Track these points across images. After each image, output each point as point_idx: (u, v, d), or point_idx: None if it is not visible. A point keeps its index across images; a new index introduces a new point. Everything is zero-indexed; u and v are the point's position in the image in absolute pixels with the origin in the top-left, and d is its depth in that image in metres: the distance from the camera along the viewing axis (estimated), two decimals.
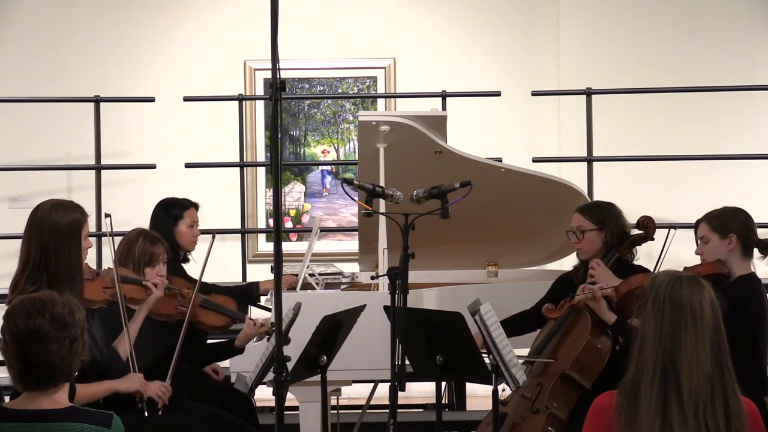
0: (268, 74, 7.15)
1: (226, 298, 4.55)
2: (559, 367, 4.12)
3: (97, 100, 6.90)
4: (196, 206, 5.13)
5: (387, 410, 3.72)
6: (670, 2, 7.47)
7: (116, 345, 3.93)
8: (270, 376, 3.35)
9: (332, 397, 4.72)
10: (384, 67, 7.60)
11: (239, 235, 6.99)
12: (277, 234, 3.20)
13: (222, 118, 7.48)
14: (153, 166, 6.99)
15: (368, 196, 3.96)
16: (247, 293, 5.37)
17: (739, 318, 3.33)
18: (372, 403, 5.18)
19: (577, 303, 4.21)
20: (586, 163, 6.79)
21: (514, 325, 4.50)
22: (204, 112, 7.53)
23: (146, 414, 3.87)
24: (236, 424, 4.33)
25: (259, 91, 7.54)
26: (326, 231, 7.44)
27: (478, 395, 6.29)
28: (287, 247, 7.35)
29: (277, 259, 3.18)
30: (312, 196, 7.67)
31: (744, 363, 2.94)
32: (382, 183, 4.59)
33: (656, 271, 4.18)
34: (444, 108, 6.76)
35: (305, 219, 7.63)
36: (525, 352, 4.35)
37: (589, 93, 6.80)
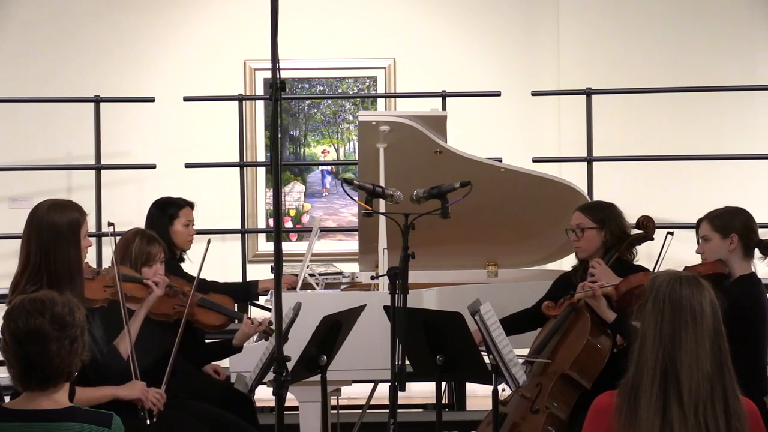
0: (268, 74, 7.15)
1: (223, 297, 4.55)
2: (558, 367, 4.12)
3: (97, 100, 6.90)
4: (191, 205, 5.13)
5: (387, 410, 3.72)
6: (670, 2, 7.47)
7: (117, 344, 3.93)
8: (270, 376, 3.35)
9: (332, 397, 4.72)
10: (384, 67, 7.60)
11: (239, 235, 6.99)
12: (277, 234, 3.20)
13: (222, 118, 7.48)
14: (153, 166, 6.99)
15: (368, 196, 3.96)
16: (245, 292, 5.37)
17: (739, 318, 3.32)
18: (372, 403, 5.18)
19: (577, 301, 4.21)
20: (586, 163, 6.79)
21: (514, 324, 4.50)
22: (204, 112, 7.53)
23: (148, 422, 3.85)
24: (236, 424, 4.33)
25: (259, 91, 7.54)
26: (326, 231, 7.44)
27: (478, 395, 6.29)
28: (287, 247, 7.35)
29: (277, 259, 3.18)
30: (312, 196, 7.67)
31: (744, 363, 2.94)
32: (382, 183, 4.59)
33: (656, 271, 4.18)
34: (444, 108, 6.76)
35: (305, 219, 7.63)
36: (525, 351, 4.35)
37: (589, 93, 6.80)
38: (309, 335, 3.79)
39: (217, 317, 4.39)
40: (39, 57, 7.52)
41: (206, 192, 7.27)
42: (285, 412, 3.23)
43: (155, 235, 4.37)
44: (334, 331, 3.91)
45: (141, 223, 5.10)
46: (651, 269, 4.34)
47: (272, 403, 4.49)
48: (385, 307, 3.81)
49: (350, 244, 7.13)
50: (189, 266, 5.10)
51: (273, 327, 4.34)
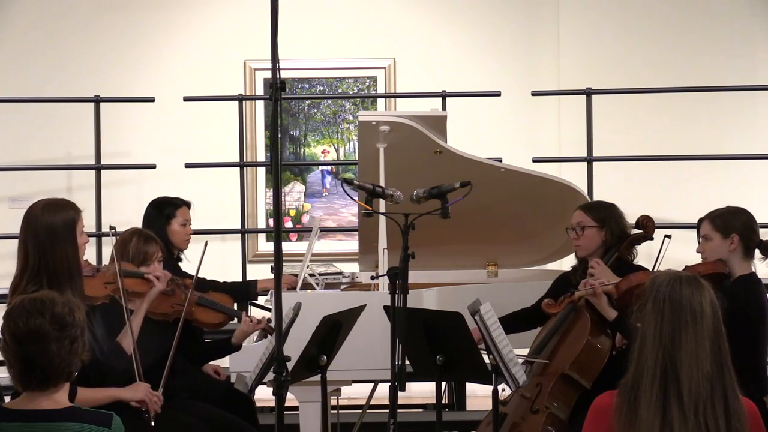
0: (268, 74, 7.15)
1: (222, 295, 4.55)
2: (558, 367, 4.12)
3: (97, 100, 6.90)
4: (188, 205, 5.13)
5: (387, 410, 3.72)
6: (670, 2, 7.47)
7: (120, 340, 3.91)
8: (270, 376, 3.35)
9: (332, 397, 4.72)
10: (384, 67, 7.60)
11: (239, 235, 6.99)
12: (277, 234, 3.20)
13: (222, 118, 7.48)
14: (153, 166, 6.99)
15: (368, 196, 3.96)
16: (244, 291, 5.37)
17: (739, 318, 3.32)
18: (372, 403, 5.18)
19: (577, 298, 4.21)
20: (586, 163, 6.79)
21: (514, 322, 4.50)
22: (204, 112, 7.53)
23: (153, 424, 3.82)
24: (236, 424, 4.33)
25: (259, 91, 7.54)
26: (326, 231, 7.44)
27: (478, 395, 6.29)
28: (287, 247, 7.35)
29: (277, 259, 3.18)
30: (312, 196, 7.67)
31: (744, 363, 2.94)
32: (382, 183, 4.60)
33: (655, 270, 4.18)
34: (444, 108, 6.76)
35: (305, 219, 7.63)
36: (525, 351, 4.35)
37: (589, 93, 6.80)
38: (309, 335, 3.79)
39: (216, 316, 4.39)
40: (39, 57, 7.52)
41: (206, 192, 7.28)
42: (285, 412, 3.23)
43: (152, 234, 4.37)
44: (334, 331, 3.91)
45: (140, 223, 5.11)
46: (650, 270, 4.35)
47: (272, 403, 4.49)
48: (385, 307, 3.81)
49: (350, 244, 7.13)
50: (187, 266, 5.11)
51: (272, 325, 4.36)
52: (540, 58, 7.57)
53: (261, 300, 5.59)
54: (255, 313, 5.46)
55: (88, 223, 6.48)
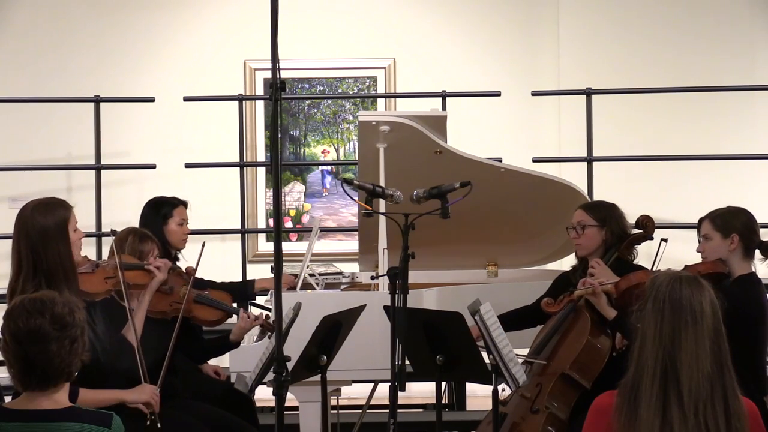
0: (268, 74, 7.15)
1: (220, 292, 4.55)
2: (558, 367, 4.12)
3: (97, 100, 6.90)
4: (185, 204, 5.12)
5: (387, 410, 3.72)
6: (670, 2, 7.47)
7: (125, 333, 3.89)
8: (270, 376, 3.35)
9: (332, 397, 4.72)
10: (384, 67, 7.60)
11: (239, 235, 7.00)
12: (277, 234, 3.20)
13: (222, 118, 7.48)
14: (153, 166, 6.99)
15: (368, 196, 3.96)
16: (241, 291, 5.36)
17: (739, 318, 3.32)
18: (372, 403, 5.18)
19: (576, 297, 4.21)
20: (586, 163, 6.79)
21: (513, 320, 4.50)
22: (204, 112, 7.53)
23: (159, 426, 3.78)
24: (236, 425, 4.33)
25: (259, 91, 7.54)
26: (326, 231, 7.44)
27: (478, 395, 6.29)
28: (287, 247, 7.35)
29: (277, 259, 3.19)
30: (312, 196, 7.67)
31: (744, 363, 2.94)
32: (382, 183, 4.59)
33: (654, 270, 4.18)
34: (444, 108, 6.76)
35: (305, 219, 7.63)
36: (525, 351, 4.35)
37: (589, 93, 6.80)
38: (309, 335, 3.79)
39: (214, 313, 4.39)
40: (39, 57, 7.52)
41: (206, 192, 7.28)
42: (285, 412, 3.23)
43: (148, 233, 4.37)
44: (334, 331, 3.91)
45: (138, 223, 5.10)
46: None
47: (272, 403, 4.49)
48: (385, 307, 3.81)
49: (350, 244, 7.13)
50: (184, 266, 5.09)
51: (270, 321, 4.37)
52: (540, 58, 7.57)
53: (261, 300, 5.59)
54: (253, 310, 5.45)
55: (89, 223, 6.55)
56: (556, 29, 7.50)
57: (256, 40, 7.30)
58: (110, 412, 2.72)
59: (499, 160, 5.80)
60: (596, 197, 6.23)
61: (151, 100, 7.05)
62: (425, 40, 7.64)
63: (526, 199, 5.22)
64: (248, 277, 6.42)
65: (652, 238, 4.45)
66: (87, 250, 3.93)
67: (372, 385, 5.11)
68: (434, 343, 3.77)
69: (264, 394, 4.61)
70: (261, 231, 7.54)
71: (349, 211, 7.57)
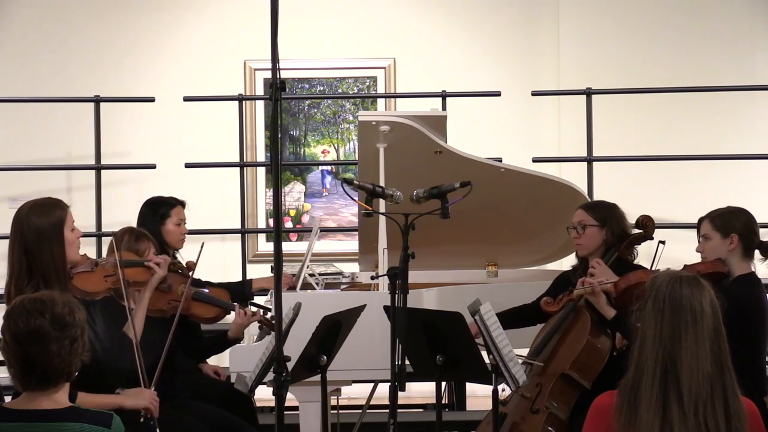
0: (268, 74, 7.15)
1: (218, 290, 4.56)
2: (558, 367, 4.12)
3: (97, 100, 6.90)
4: (182, 204, 5.12)
5: (387, 410, 3.72)
6: (670, 2, 7.47)
7: (126, 330, 3.87)
8: (270, 376, 3.35)
9: (332, 397, 4.72)
10: (384, 67, 7.60)
11: (239, 235, 7.00)
12: (277, 234, 3.20)
13: (222, 118, 7.48)
14: (153, 166, 6.99)
15: (368, 196, 3.96)
16: (239, 291, 5.36)
17: (739, 318, 3.32)
18: (372, 403, 5.18)
19: (576, 297, 4.21)
20: (586, 163, 6.79)
21: (512, 319, 4.50)
22: (204, 112, 7.53)
23: (158, 430, 3.77)
24: (237, 424, 4.33)
25: (259, 91, 7.54)
26: (326, 231, 7.44)
27: (478, 395, 6.29)
28: (287, 247, 7.35)
29: (277, 259, 3.18)
30: (312, 196, 7.67)
31: (744, 363, 2.94)
32: (382, 183, 4.60)
33: (654, 270, 4.18)
34: (444, 108, 6.76)
35: (305, 219, 7.63)
36: (525, 351, 4.35)
37: (589, 93, 6.80)
38: (309, 335, 3.79)
39: (211, 310, 4.39)
40: (39, 57, 7.52)
41: (206, 192, 7.28)
42: (285, 412, 3.23)
43: (144, 232, 4.37)
44: (334, 331, 3.91)
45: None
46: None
47: (272, 403, 4.49)
48: (385, 307, 3.81)
49: (350, 244, 7.13)
50: None
51: (267, 317, 4.37)
52: (540, 58, 7.57)
53: (261, 300, 5.58)
54: (252, 309, 5.45)
55: (89, 223, 6.55)
56: (556, 29, 7.50)
57: (256, 40, 7.30)
58: (110, 413, 2.72)
59: (499, 160, 5.79)
60: (596, 197, 6.23)
61: (151, 100, 7.05)
62: (425, 40, 7.64)
63: (526, 199, 5.22)
64: (248, 277, 6.42)
65: (652, 238, 4.45)
66: (87, 250, 3.93)
67: (372, 385, 5.11)
68: (434, 343, 3.77)
69: (264, 394, 4.61)
70: (261, 231, 7.54)
71: (349, 211, 7.57)
